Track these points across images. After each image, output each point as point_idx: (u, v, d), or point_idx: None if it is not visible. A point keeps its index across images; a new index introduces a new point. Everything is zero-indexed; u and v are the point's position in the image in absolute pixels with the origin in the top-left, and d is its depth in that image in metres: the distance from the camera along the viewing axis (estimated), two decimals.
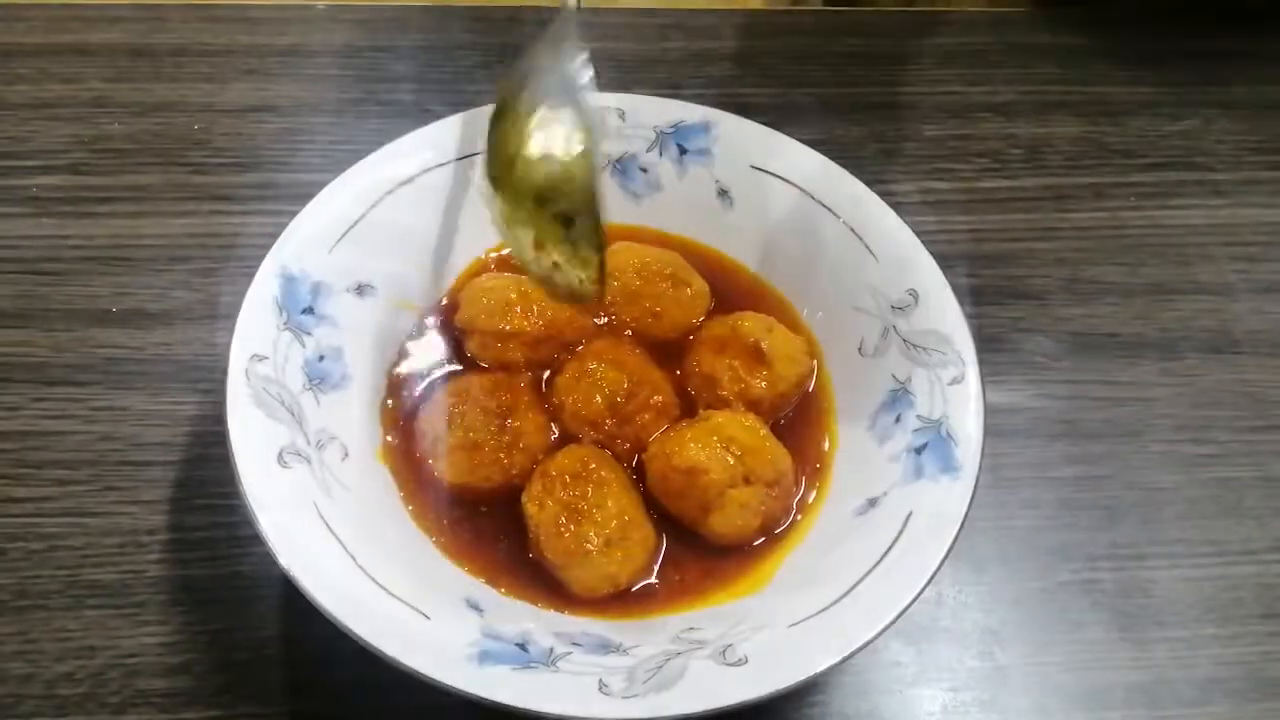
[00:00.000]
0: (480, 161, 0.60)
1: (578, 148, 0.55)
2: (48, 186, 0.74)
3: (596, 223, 0.54)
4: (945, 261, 0.60)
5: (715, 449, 0.56)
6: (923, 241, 0.61)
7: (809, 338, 0.63)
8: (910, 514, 0.53)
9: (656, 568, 0.56)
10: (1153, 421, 0.69)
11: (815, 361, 0.63)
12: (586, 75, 0.56)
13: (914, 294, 0.60)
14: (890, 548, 0.51)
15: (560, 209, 0.55)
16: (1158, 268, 0.77)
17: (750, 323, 0.61)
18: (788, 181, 0.65)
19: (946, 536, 0.51)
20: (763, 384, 0.60)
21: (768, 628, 0.49)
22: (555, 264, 0.55)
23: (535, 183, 0.56)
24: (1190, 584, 0.62)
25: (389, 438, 0.58)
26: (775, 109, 0.84)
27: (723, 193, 0.66)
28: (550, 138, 0.56)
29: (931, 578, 0.49)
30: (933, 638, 0.59)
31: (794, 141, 0.66)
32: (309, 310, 0.57)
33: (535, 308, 0.61)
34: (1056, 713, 0.58)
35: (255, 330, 0.55)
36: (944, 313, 0.59)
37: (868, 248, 0.62)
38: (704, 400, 0.61)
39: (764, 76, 0.87)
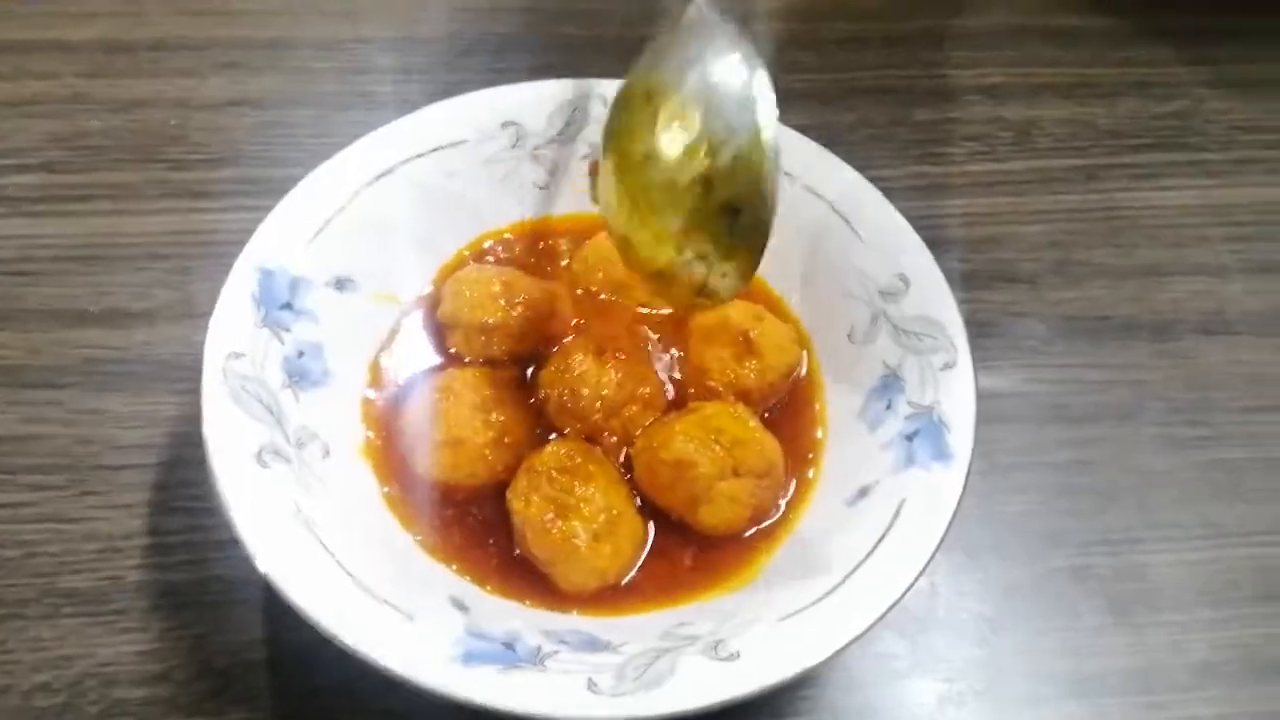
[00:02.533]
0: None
1: (752, 136, 0.52)
2: (23, 185, 0.73)
3: (765, 215, 0.52)
4: (936, 246, 0.59)
5: (704, 441, 0.54)
6: (913, 226, 0.60)
7: (798, 326, 0.63)
8: (903, 502, 0.52)
9: (643, 560, 0.55)
10: (1146, 404, 0.68)
11: (804, 350, 0.62)
12: (753, 58, 0.53)
13: (904, 279, 0.59)
14: (882, 538, 0.50)
15: (727, 197, 0.52)
16: (1150, 249, 0.76)
17: (739, 312, 0.60)
18: None
19: (939, 525, 0.50)
20: (752, 374, 0.59)
21: (759, 622, 0.49)
22: (701, 255, 0.53)
23: (700, 171, 0.53)
24: (1185, 568, 0.62)
25: (371, 435, 0.57)
26: None
27: None
28: (719, 125, 0.53)
29: (924, 568, 0.49)
30: (926, 628, 0.58)
31: (782, 127, 0.64)
32: (287, 306, 0.56)
33: (518, 300, 0.60)
34: (1052, 700, 0.57)
35: (231, 327, 0.54)
36: (935, 298, 0.58)
37: (857, 233, 0.61)
38: (693, 392, 0.60)
39: None
